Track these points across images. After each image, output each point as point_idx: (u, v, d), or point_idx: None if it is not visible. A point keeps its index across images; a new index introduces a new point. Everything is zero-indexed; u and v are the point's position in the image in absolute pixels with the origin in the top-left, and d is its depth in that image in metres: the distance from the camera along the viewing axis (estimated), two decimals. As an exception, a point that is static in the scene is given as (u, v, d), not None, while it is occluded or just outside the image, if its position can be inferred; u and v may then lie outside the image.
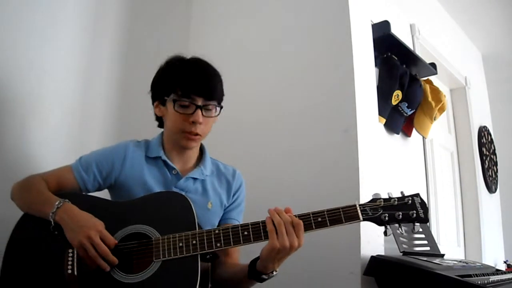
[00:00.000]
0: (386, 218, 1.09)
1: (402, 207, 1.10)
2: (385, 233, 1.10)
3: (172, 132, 1.24)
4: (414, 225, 1.10)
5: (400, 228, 1.12)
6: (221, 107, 1.24)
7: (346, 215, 1.08)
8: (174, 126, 1.22)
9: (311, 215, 1.08)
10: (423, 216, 1.09)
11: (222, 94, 1.25)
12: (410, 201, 1.10)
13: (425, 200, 1.13)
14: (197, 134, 1.21)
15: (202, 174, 1.28)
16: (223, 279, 1.23)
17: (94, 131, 1.86)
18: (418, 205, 1.10)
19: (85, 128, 1.83)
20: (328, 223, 1.07)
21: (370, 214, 1.09)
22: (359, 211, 1.08)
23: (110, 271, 1.06)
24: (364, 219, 1.09)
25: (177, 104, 1.18)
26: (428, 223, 2.35)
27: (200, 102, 1.19)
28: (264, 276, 1.10)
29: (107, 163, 1.23)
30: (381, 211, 1.09)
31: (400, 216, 1.09)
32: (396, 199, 1.10)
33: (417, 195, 1.12)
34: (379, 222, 1.09)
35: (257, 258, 1.11)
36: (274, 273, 1.10)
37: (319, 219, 1.07)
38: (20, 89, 1.60)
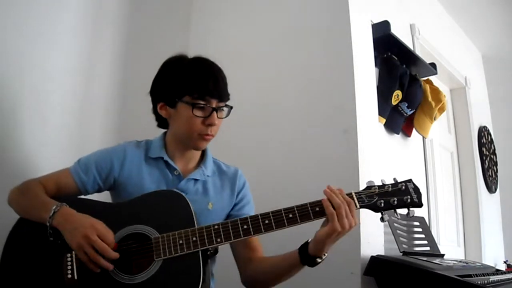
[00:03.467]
0: (382, 205, 1.10)
1: (396, 193, 1.11)
2: (382, 219, 1.12)
3: (185, 134, 1.22)
4: (409, 210, 1.12)
5: (396, 214, 1.13)
6: (231, 108, 1.25)
7: None
8: (190, 129, 1.20)
9: (308, 206, 1.09)
10: (417, 200, 1.11)
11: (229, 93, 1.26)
12: (403, 187, 1.12)
13: (419, 187, 1.14)
14: (211, 135, 1.22)
15: (203, 175, 1.27)
16: (258, 273, 1.23)
17: (94, 131, 1.86)
18: (411, 190, 1.12)
19: (85, 128, 1.83)
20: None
21: (366, 201, 1.11)
22: (355, 198, 1.10)
23: (111, 273, 1.06)
24: (361, 207, 1.10)
25: (196, 108, 1.17)
26: (429, 222, 2.36)
27: (214, 104, 1.19)
28: (318, 259, 1.11)
29: (106, 164, 1.23)
30: (377, 198, 1.11)
31: (395, 202, 1.10)
32: (390, 185, 1.12)
33: (410, 180, 1.14)
34: (375, 208, 1.11)
35: (305, 244, 1.12)
36: (326, 255, 1.11)
37: (317, 209, 1.08)
38: (20, 89, 1.60)
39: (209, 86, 1.17)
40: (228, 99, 1.24)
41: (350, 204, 1.08)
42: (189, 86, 1.18)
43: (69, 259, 1.08)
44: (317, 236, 1.09)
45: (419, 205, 1.11)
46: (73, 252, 1.08)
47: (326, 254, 1.11)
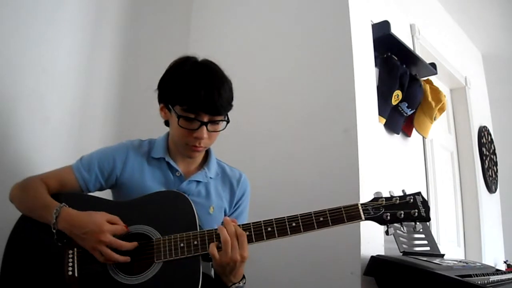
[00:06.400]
0: (388, 218, 1.08)
1: (403, 206, 1.09)
2: (387, 233, 1.10)
3: (176, 141, 1.22)
4: (415, 224, 1.09)
5: (402, 227, 1.11)
6: (228, 121, 1.20)
7: (348, 214, 1.07)
8: (178, 138, 1.20)
9: (313, 214, 1.08)
10: (424, 215, 1.08)
11: (231, 105, 1.20)
12: (411, 200, 1.09)
13: (428, 201, 1.13)
14: (200, 147, 1.19)
15: (206, 177, 1.27)
16: None
17: (94, 131, 1.86)
18: (419, 203, 1.09)
19: (85, 128, 1.83)
20: (330, 223, 1.07)
21: (372, 213, 1.08)
22: (361, 210, 1.08)
23: (111, 272, 1.06)
24: (366, 219, 1.08)
25: (182, 120, 1.14)
26: (429, 222, 2.36)
27: (206, 118, 1.15)
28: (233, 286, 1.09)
29: (108, 163, 1.22)
30: (383, 210, 1.08)
31: (402, 215, 1.08)
32: (398, 198, 1.09)
33: (419, 193, 1.11)
34: (381, 221, 1.09)
35: None
36: (241, 283, 1.10)
37: (321, 219, 1.07)
38: (20, 89, 1.60)
39: (202, 100, 1.12)
40: (225, 112, 1.18)
41: (240, 236, 1.05)
42: (180, 97, 1.14)
43: (70, 256, 1.08)
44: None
45: (427, 219, 1.09)
46: (75, 249, 1.09)
47: (241, 283, 1.10)
